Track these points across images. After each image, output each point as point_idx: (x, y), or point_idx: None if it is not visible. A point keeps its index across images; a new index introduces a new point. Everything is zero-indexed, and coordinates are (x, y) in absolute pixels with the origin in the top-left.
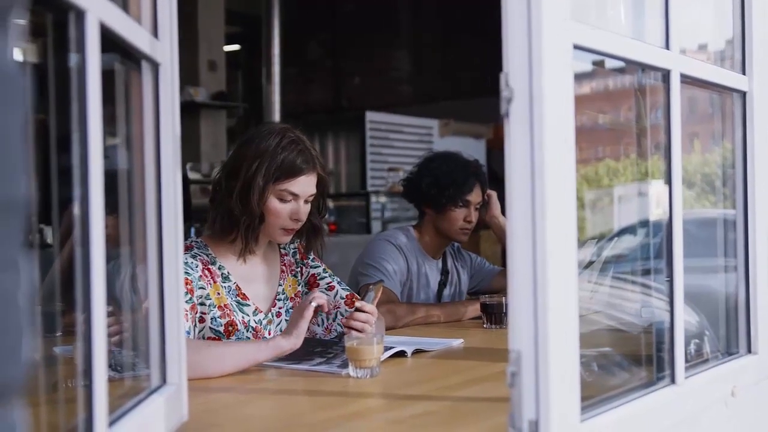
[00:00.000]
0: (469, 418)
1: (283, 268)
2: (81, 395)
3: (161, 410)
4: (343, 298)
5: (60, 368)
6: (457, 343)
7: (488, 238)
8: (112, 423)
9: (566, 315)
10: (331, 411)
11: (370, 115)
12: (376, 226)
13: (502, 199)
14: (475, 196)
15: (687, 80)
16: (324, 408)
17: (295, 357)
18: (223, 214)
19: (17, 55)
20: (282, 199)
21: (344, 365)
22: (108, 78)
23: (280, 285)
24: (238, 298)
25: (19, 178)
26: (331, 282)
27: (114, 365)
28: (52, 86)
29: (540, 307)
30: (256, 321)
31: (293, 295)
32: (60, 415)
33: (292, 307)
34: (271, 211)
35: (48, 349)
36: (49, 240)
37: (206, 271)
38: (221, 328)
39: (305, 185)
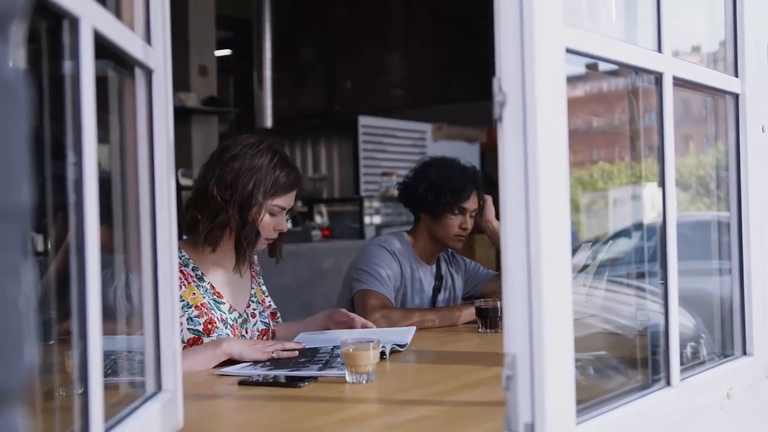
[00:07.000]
0: (465, 422)
1: (253, 274)
2: (76, 403)
3: (157, 417)
4: (258, 332)
5: (53, 376)
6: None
7: (482, 243)
8: (107, 430)
9: (561, 318)
10: (328, 417)
11: (363, 120)
12: (369, 231)
13: (496, 203)
14: (471, 204)
15: (679, 83)
16: (321, 414)
17: (293, 366)
18: (218, 226)
19: (17, 63)
20: (272, 214)
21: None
22: (100, 84)
23: (252, 288)
24: (214, 296)
25: (21, 185)
26: (271, 303)
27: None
28: (45, 93)
29: (535, 310)
30: (232, 319)
31: (261, 300)
32: (54, 423)
33: (262, 311)
34: (262, 225)
35: (45, 356)
36: (40, 248)
37: (179, 273)
38: (200, 327)
39: (292, 200)
